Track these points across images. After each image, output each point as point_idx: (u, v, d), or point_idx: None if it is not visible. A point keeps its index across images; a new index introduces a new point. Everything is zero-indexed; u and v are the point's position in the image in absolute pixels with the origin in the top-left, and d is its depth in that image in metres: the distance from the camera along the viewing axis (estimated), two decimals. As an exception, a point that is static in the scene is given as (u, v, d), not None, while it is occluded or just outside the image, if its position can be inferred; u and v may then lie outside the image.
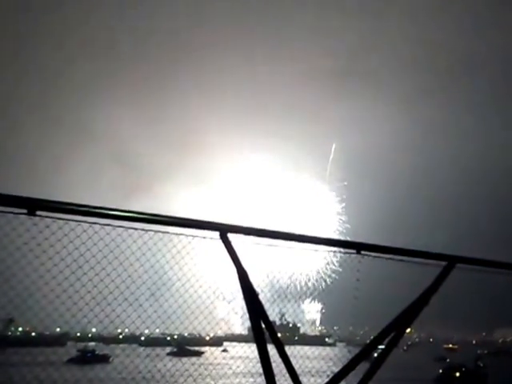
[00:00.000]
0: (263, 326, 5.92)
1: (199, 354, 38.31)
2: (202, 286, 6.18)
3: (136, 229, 5.23)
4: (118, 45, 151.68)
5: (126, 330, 6.29)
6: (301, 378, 6.21)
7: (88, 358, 42.37)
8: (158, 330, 6.46)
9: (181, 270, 5.90)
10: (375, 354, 6.74)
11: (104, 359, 37.52)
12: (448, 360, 68.84)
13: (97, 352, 44.29)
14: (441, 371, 53.15)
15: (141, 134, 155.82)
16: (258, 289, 5.95)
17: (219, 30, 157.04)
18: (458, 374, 51.38)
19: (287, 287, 7.26)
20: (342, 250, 6.61)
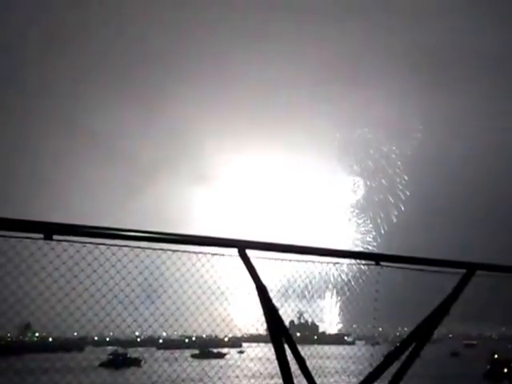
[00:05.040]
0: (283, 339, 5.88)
1: (222, 355, 38.10)
2: (222, 291, 6.17)
3: (154, 249, 5.24)
4: (115, 44, 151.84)
5: (144, 333, 6.29)
6: (325, 378, 6.19)
7: (120, 362, 42.11)
8: (175, 333, 6.45)
9: (204, 281, 5.87)
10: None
11: (135, 363, 37.30)
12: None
13: (128, 355, 43.68)
14: (488, 367, 52.65)
15: (139, 132, 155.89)
16: (269, 286, 5.88)
17: (221, 27, 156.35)
18: (505, 370, 50.71)
19: (305, 287, 7.20)
20: (361, 261, 6.62)
